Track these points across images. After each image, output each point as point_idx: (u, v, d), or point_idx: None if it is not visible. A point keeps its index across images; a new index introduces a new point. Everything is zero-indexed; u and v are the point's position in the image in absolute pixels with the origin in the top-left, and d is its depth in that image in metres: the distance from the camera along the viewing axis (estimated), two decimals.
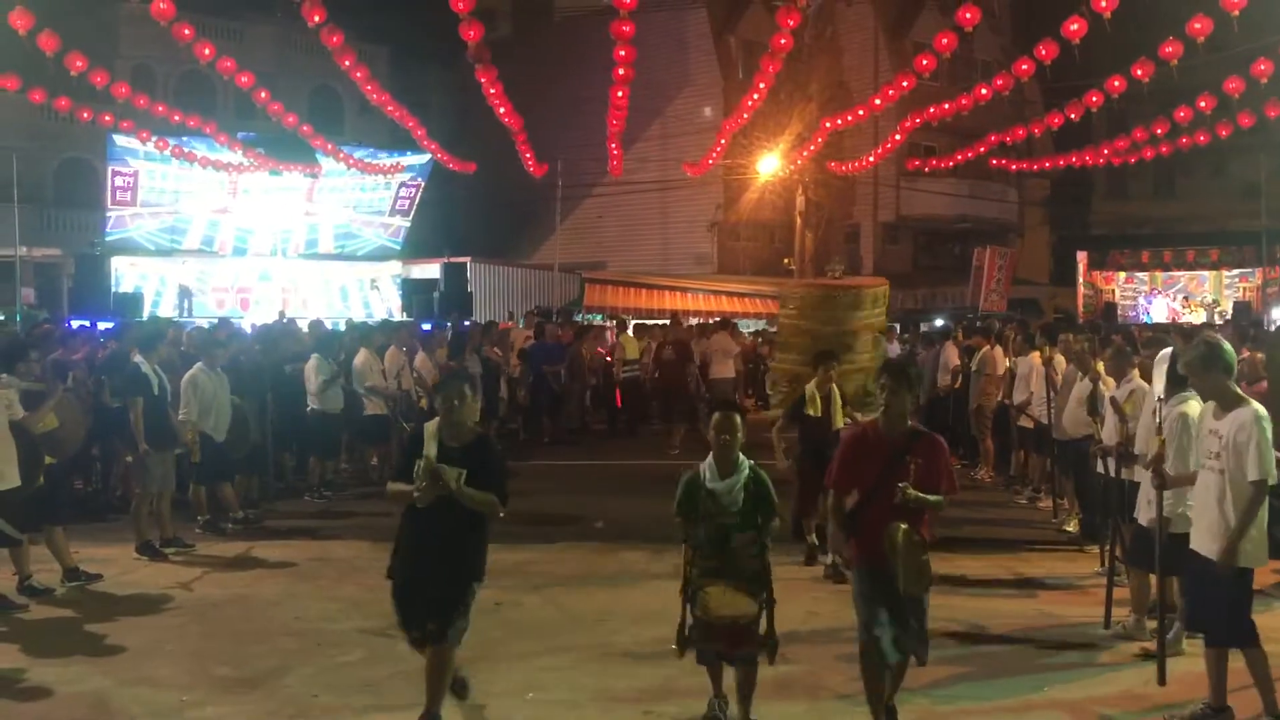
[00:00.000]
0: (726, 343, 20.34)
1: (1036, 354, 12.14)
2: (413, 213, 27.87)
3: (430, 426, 5.78)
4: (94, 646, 7.46)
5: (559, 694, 6.49)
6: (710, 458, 5.86)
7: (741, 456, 5.84)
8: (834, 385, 9.69)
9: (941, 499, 5.56)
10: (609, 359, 20.42)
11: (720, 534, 5.73)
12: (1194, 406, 6.54)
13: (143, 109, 17.11)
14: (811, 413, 9.65)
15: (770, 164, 31.06)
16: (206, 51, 13.85)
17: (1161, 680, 6.38)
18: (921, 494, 5.41)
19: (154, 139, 20.31)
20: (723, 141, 22.61)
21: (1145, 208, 39.36)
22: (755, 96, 18.17)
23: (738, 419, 5.89)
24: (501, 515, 5.72)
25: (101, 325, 17.83)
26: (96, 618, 8.10)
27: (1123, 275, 31.55)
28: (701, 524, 5.76)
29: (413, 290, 25.44)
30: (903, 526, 5.34)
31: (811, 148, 24.18)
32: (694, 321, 26.47)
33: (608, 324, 24.85)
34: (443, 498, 5.50)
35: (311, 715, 6.20)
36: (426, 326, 19.23)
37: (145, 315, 20.69)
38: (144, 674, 6.85)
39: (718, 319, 24.53)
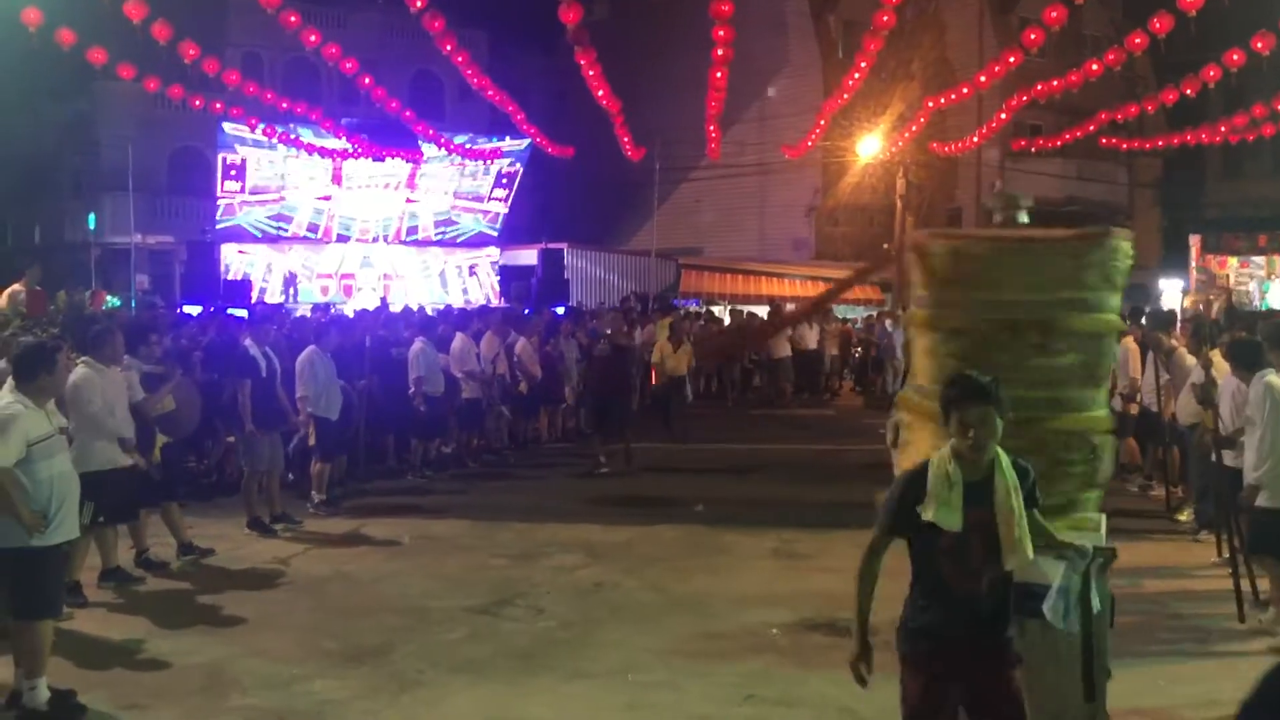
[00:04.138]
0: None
1: (1130, 339, 11.79)
2: (511, 198, 28.09)
3: None
4: (208, 619, 7.68)
5: (660, 675, 6.48)
6: None
7: None
8: (1000, 457, 3.96)
9: None
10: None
11: None
12: (1276, 378, 6.49)
13: (251, 96, 17.56)
14: (938, 520, 3.90)
15: (871, 146, 30.57)
16: (312, 38, 14.16)
17: None
18: None
19: (262, 125, 20.80)
20: (822, 123, 22.32)
21: (1263, 188, 37.72)
22: (856, 76, 17.90)
23: None
24: None
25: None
26: (209, 591, 8.33)
27: (1236, 260, 30.34)
28: None
29: (511, 276, 25.70)
30: None
31: (913, 128, 23.74)
32: (790, 307, 26.27)
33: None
34: None
35: (416, 691, 6.29)
36: (527, 312, 19.34)
37: (253, 301, 21.24)
38: (256, 647, 7.02)
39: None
